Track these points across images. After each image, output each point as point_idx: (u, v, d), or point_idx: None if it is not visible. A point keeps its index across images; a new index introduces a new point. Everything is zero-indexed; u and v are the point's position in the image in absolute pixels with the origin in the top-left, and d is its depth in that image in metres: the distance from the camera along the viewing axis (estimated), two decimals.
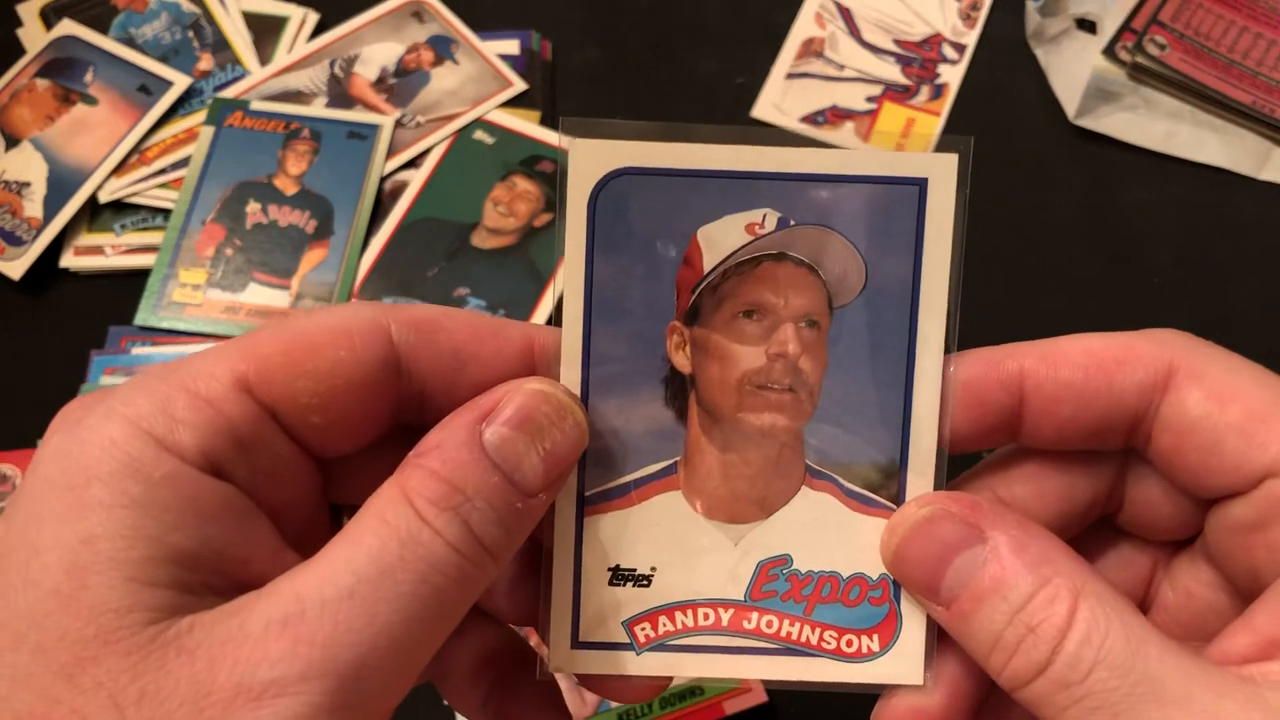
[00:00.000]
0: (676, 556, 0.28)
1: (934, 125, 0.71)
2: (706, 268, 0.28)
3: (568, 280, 0.27)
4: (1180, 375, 0.27)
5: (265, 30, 0.74)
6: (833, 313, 0.28)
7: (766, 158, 0.27)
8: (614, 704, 0.50)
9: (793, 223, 0.27)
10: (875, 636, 0.28)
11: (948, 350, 0.28)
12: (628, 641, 0.28)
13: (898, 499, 0.28)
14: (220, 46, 0.73)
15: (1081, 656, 0.24)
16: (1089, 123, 0.70)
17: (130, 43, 0.73)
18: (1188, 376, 0.27)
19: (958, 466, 0.29)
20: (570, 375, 0.28)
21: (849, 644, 0.28)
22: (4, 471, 0.57)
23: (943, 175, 0.27)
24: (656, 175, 0.27)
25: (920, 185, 0.27)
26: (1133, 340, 0.27)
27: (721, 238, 0.27)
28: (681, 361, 0.28)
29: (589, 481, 0.28)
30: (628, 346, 0.28)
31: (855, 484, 0.28)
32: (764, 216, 0.27)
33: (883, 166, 0.27)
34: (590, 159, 0.27)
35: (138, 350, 0.61)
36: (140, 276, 0.65)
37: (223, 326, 0.62)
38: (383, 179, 0.68)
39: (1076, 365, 0.27)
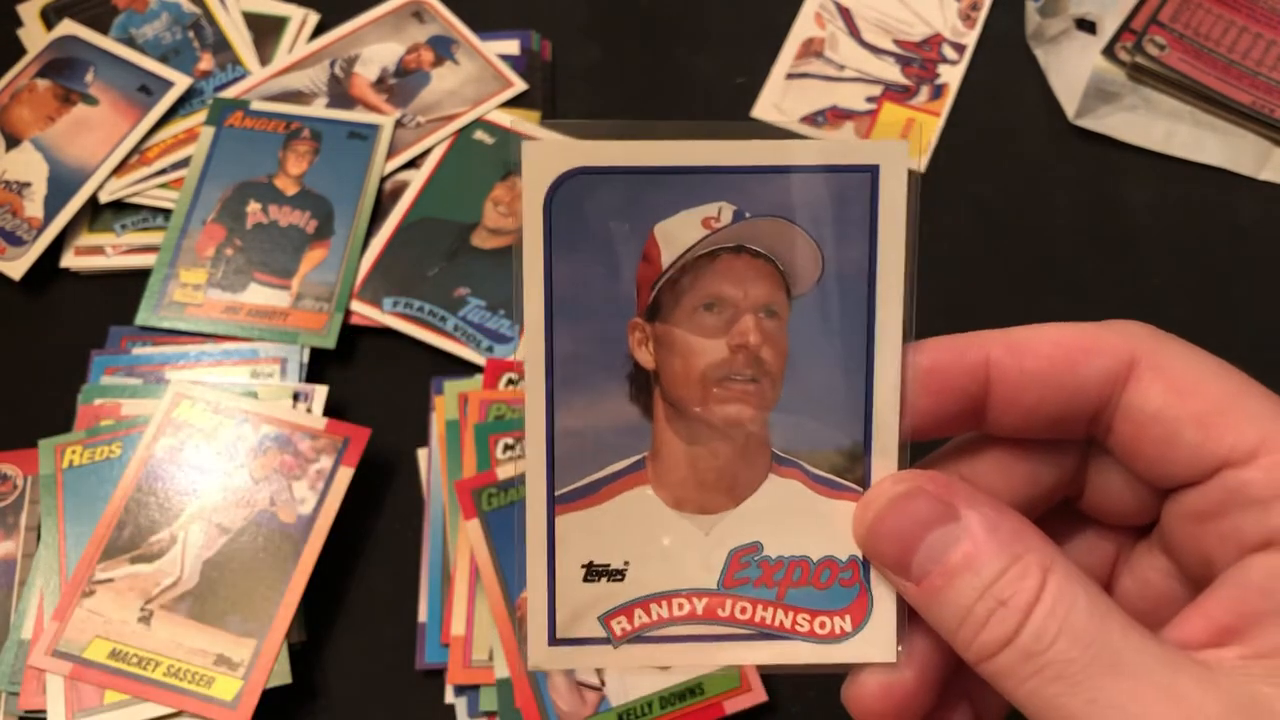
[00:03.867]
0: (649, 550, 0.29)
1: (934, 125, 0.71)
2: (665, 263, 0.28)
3: (528, 281, 0.28)
4: (1142, 367, 0.27)
5: (265, 30, 0.74)
6: (792, 302, 0.28)
7: (720, 152, 0.27)
8: (614, 704, 0.50)
9: (748, 215, 0.28)
10: (847, 617, 0.29)
11: (906, 334, 0.28)
12: (604, 636, 0.29)
13: (864, 483, 0.28)
14: (220, 46, 0.73)
15: (1046, 628, 0.24)
16: (1089, 123, 0.70)
17: (130, 43, 0.73)
18: (1150, 368, 0.27)
19: (920, 453, 0.29)
20: (534, 377, 0.28)
21: (822, 625, 0.29)
22: (4, 471, 0.58)
23: (894, 161, 0.27)
24: (611, 174, 0.27)
25: (872, 172, 0.28)
26: (1097, 331, 0.28)
27: (678, 233, 0.28)
28: (644, 357, 0.28)
29: (559, 481, 0.28)
30: (590, 345, 0.28)
31: (821, 469, 0.29)
32: (719, 210, 0.28)
33: (835, 155, 0.28)
34: (544, 160, 0.27)
35: (138, 350, 0.61)
36: (141, 276, 0.65)
37: (223, 326, 0.62)
38: (383, 179, 0.68)
39: (1042, 355, 0.28)
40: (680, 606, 0.29)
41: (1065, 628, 0.24)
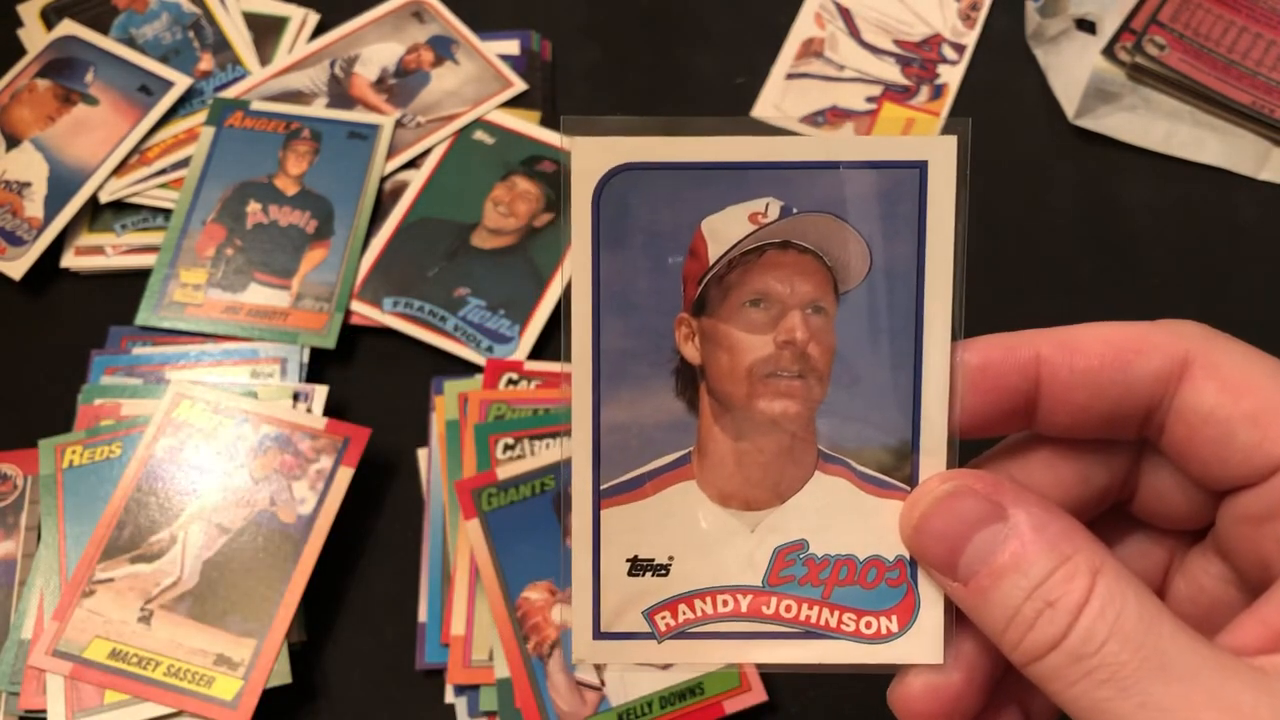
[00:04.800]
0: (693, 545, 0.29)
1: (934, 126, 0.71)
2: (712, 259, 0.28)
3: (575, 276, 0.28)
4: (1195, 366, 0.27)
5: (265, 30, 0.74)
6: (839, 298, 0.28)
7: (766, 147, 0.27)
8: (614, 703, 0.50)
9: (795, 210, 0.28)
10: (894, 617, 0.28)
11: (955, 332, 0.28)
12: (649, 631, 0.29)
13: (911, 481, 0.28)
14: (220, 47, 0.73)
15: (1095, 630, 0.24)
16: (1088, 123, 0.70)
17: (131, 43, 0.73)
18: (1202, 368, 0.27)
19: (970, 453, 0.29)
20: (581, 371, 0.28)
21: (868, 625, 0.28)
22: (4, 471, 0.58)
23: (943, 157, 0.27)
24: (658, 170, 0.27)
25: (921, 168, 0.27)
26: (1149, 330, 0.27)
27: (725, 228, 0.28)
28: (691, 353, 0.28)
29: (604, 475, 0.28)
30: (637, 340, 0.28)
31: (869, 467, 0.28)
32: (766, 205, 0.28)
33: (883, 151, 0.27)
34: (592, 156, 0.27)
35: (138, 350, 0.61)
36: (141, 276, 0.65)
37: (223, 326, 0.62)
38: (383, 179, 0.68)
39: (1093, 353, 0.27)
40: (725, 603, 0.29)
41: (1115, 630, 0.24)
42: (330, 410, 0.58)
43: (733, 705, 0.51)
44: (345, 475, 0.55)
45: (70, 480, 0.56)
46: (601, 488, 0.28)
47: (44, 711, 0.50)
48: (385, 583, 0.56)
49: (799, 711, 0.52)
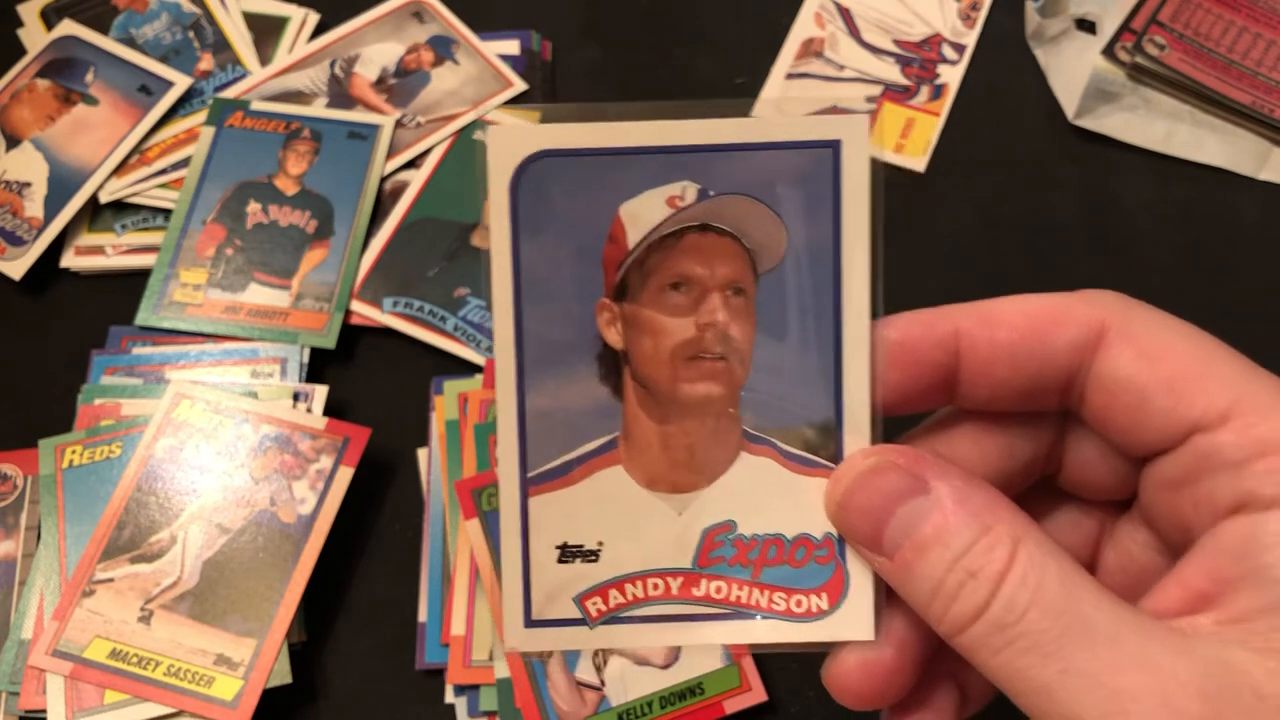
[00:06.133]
0: (622, 530, 0.29)
1: (934, 125, 0.71)
2: (631, 244, 0.28)
3: (495, 265, 0.28)
4: (1111, 334, 0.27)
5: (265, 30, 0.74)
6: (758, 279, 0.28)
7: (683, 131, 0.27)
8: (614, 704, 0.50)
9: (712, 193, 0.28)
10: (824, 595, 0.29)
11: (875, 309, 0.28)
12: (580, 617, 0.29)
13: (836, 459, 0.28)
14: (220, 47, 0.73)
15: (1017, 598, 0.24)
16: (1089, 123, 0.70)
17: (131, 43, 0.73)
18: (1119, 335, 0.27)
19: (895, 431, 0.29)
20: (504, 359, 0.28)
21: (798, 604, 0.29)
22: (4, 471, 0.58)
23: (855, 136, 0.27)
24: (576, 156, 0.28)
25: (834, 147, 0.27)
26: (1067, 301, 0.28)
27: (644, 213, 0.28)
28: (613, 338, 0.28)
29: (531, 462, 0.28)
30: (559, 326, 0.28)
31: (794, 446, 0.28)
32: (684, 189, 0.28)
33: (796, 132, 0.27)
34: (508, 144, 0.28)
35: (138, 350, 0.61)
36: (141, 276, 0.65)
37: (223, 326, 0.62)
38: (383, 179, 0.68)
39: (1011, 326, 0.28)
40: (655, 586, 0.29)
41: (1036, 598, 0.24)
42: (330, 410, 0.58)
43: (733, 705, 0.51)
44: (345, 475, 0.55)
45: (70, 480, 0.56)
46: (529, 475, 0.28)
47: (44, 711, 0.50)
48: (385, 583, 0.56)
49: (799, 711, 0.52)
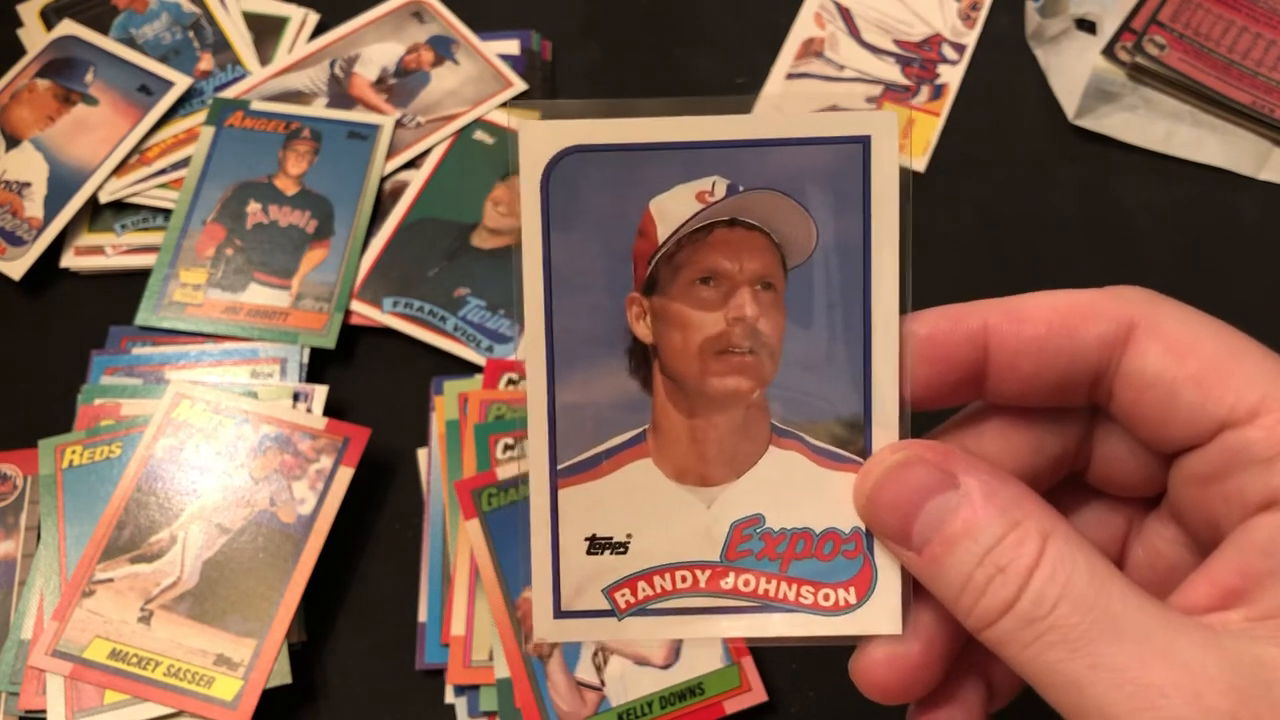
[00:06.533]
0: (651, 522, 0.29)
1: (934, 125, 0.71)
2: (661, 238, 0.28)
3: (526, 259, 0.28)
4: (1140, 330, 0.27)
5: (265, 30, 0.74)
6: (787, 274, 0.28)
7: (712, 126, 0.28)
8: (614, 704, 0.50)
9: (742, 188, 0.28)
10: (852, 589, 0.29)
11: (904, 304, 0.28)
12: (609, 608, 0.29)
13: (865, 454, 0.28)
14: (220, 47, 0.73)
15: (1046, 593, 0.24)
16: (1089, 123, 0.70)
17: (130, 43, 0.73)
18: (1147, 331, 0.27)
19: (924, 426, 0.29)
20: (534, 353, 0.28)
21: (826, 598, 0.29)
22: (4, 471, 0.58)
23: (884, 132, 0.28)
24: (606, 151, 0.28)
25: (864, 143, 0.28)
26: (1095, 297, 0.28)
27: (673, 208, 0.28)
28: (643, 332, 0.28)
29: (560, 455, 0.29)
30: (589, 320, 0.28)
31: (822, 440, 0.29)
32: (713, 184, 0.28)
33: (825, 127, 0.28)
34: (540, 140, 0.28)
35: (138, 350, 0.61)
36: (141, 276, 0.65)
37: (223, 326, 0.62)
38: (383, 179, 0.68)
39: (1039, 321, 0.28)
40: (683, 579, 0.29)
41: (1065, 593, 0.24)
42: (330, 410, 0.58)
43: (733, 705, 0.51)
44: (345, 475, 0.55)
45: (70, 480, 0.56)
46: (559, 468, 0.29)
47: (44, 711, 0.50)
48: (385, 583, 0.56)
49: (799, 711, 0.52)
